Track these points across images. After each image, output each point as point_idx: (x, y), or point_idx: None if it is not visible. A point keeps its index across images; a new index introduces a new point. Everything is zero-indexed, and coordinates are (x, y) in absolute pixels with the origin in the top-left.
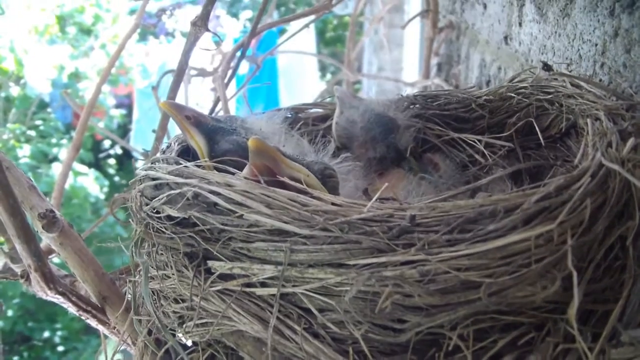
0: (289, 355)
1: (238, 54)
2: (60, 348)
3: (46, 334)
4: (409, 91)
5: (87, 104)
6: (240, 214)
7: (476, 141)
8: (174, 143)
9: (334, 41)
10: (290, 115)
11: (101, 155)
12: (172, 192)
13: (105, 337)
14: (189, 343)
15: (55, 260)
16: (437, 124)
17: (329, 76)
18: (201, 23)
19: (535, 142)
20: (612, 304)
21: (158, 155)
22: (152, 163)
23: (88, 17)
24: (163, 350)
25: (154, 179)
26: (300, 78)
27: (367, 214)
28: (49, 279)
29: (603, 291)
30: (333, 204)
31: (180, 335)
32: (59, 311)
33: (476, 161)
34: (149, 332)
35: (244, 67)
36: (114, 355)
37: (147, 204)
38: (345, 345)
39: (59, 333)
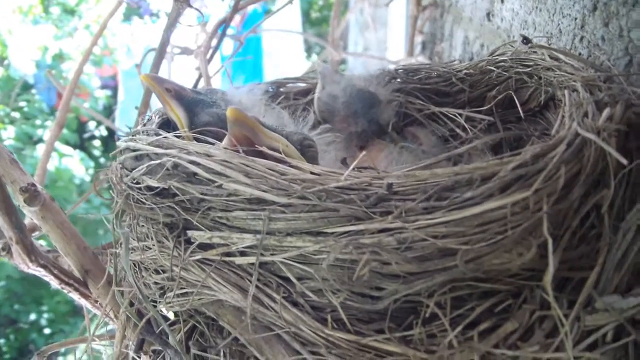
0: (268, 324)
1: (220, 30)
2: (47, 330)
3: (32, 317)
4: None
5: (69, 82)
6: (219, 183)
7: (457, 115)
8: (155, 116)
9: (319, 22)
10: (271, 90)
11: (86, 136)
12: (152, 162)
13: (89, 311)
14: (171, 315)
15: (42, 242)
16: (418, 98)
17: (314, 56)
18: None
19: (516, 115)
20: (588, 271)
21: (139, 127)
22: (132, 135)
23: None
24: (144, 320)
25: (134, 150)
26: (286, 58)
27: (344, 182)
28: (31, 251)
29: (579, 259)
30: (311, 172)
31: (161, 306)
32: (45, 294)
33: (457, 135)
34: (131, 304)
35: (231, 48)
36: (96, 329)
37: (127, 175)
38: (324, 313)
39: (45, 315)
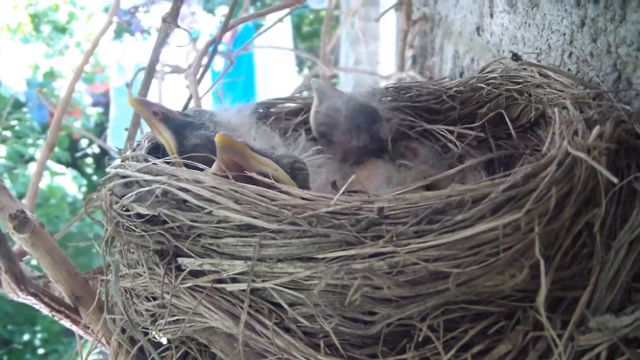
0: (260, 351)
1: (211, 49)
2: (41, 351)
3: (26, 337)
4: (384, 84)
5: (61, 101)
6: (209, 210)
7: (448, 132)
8: (144, 140)
9: (310, 36)
10: (261, 110)
11: (78, 154)
12: (142, 189)
13: (81, 337)
14: (164, 341)
15: (33, 262)
16: (410, 116)
17: (306, 71)
18: (171, 19)
19: (506, 132)
20: (580, 290)
21: (128, 153)
22: (122, 161)
23: (62, 15)
24: (136, 348)
25: (123, 177)
26: (278, 73)
27: (335, 207)
28: (20, 280)
29: (571, 278)
30: (301, 197)
31: (153, 333)
32: (39, 314)
33: (449, 151)
34: (123, 331)
35: (222, 63)
36: (88, 355)
37: (117, 202)
38: (317, 338)
39: (39, 335)
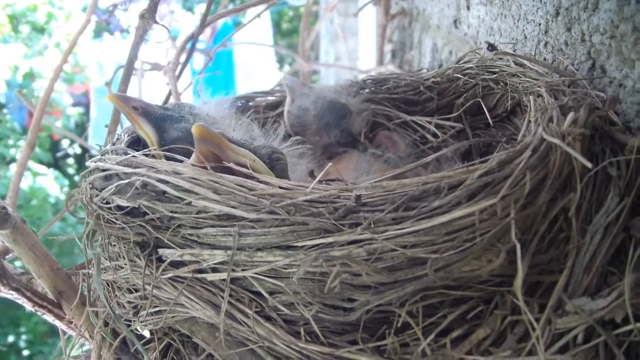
0: (242, 339)
1: (189, 45)
2: (26, 352)
3: (11, 339)
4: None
5: (40, 101)
6: (188, 200)
7: (426, 123)
8: (124, 134)
9: (290, 33)
10: (240, 104)
11: (59, 154)
12: (121, 182)
13: (64, 333)
14: (147, 333)
15: (17, 263)
16: (388, 107)
17: (287, 67)
18: (149, 15)
19: (484, 121)
20: (557, 274)
21: (108, 147)
22: (102, 155)
23: (41, 16)
24: (119, 340)
25: (103, 170)
26: (257, 70)
27: (313, 195)
28: (2, 275)
29: (548, 262)
30: (279, 187)
31: (136, 325)
32: (23, 315)
33: (428, 142)
34: (105, 324)
35: (202, 61)
36: (71, 349)
37: (97, 195)
38: (297, 326)
39: (23, 337)
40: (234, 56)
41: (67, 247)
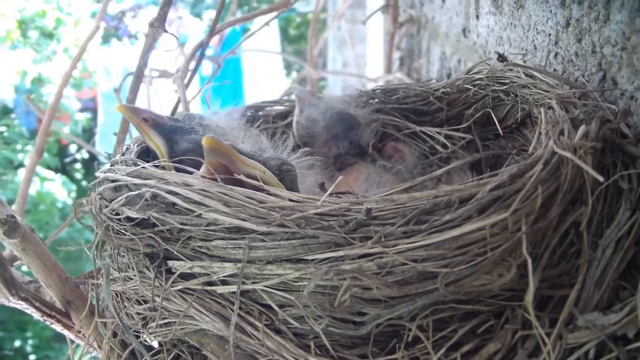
0: (251, 352)
1: (199, 53)
2: (32, 357)
3: (17, 343)
4: (372, 86)
5: (49, 107)
6: (198, 212)
7: (436, 133)
8: (134, 145)
9: (297, 39)
10: (249, 113)
11: (67, 160)
12: (131, 193)
13: (72, 342)
14: (155, 344)
15: (24, 268)
16: (397, 118)
17: (294, 74)
18: (158, 24)
19: (493, 132)
20: (568, 289)
21: (117, 157)
22: (111, 165)
23: (50, 21)
24: (127, 351)
25: (113, 181)
26: (265, 77)
27: (323, 208)
28: (11, 285)
29: (559, 277)
30: (290, 199)
31: (144, 336)
32: (29, 320)
33: (437, 152)
34: (114, 335)
35: (210, 69)
36: (80, 359)
37: (106, 206)
38: (307, 339)
39: (30, 342)
40: (241, 63)
41: (73, 253)
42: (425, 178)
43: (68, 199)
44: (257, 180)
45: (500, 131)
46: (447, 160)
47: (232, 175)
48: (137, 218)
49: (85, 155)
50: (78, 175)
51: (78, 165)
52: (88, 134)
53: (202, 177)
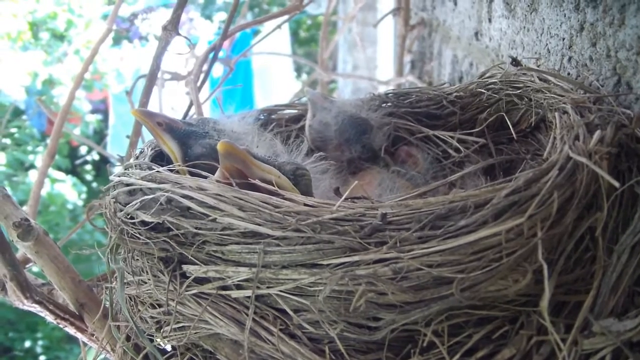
0: (266, 357)
1: (211, 56)
2: (42, 358)
3: (27, 344)
4: (383, 89)
5: (61, 110)
6: (213, 217)
7: (449, 137)
8: (147, 148)
9: (308, 41)
10: (262, 117)
11: (78, 161)
12: (146, 197)
13: (85, 344)
14: (168, 348)
15: (34, 269)
16: (410, 122)
17: (304, 76)
18: (172, 27)
19: (507, 136)
20: (584, 294)
21: (131, 161)
22: (125, 169)
23: (61, 23)
24: (141, 355)
25: (127, 185)
26: (275, 79)
27: (338, 213)
28: (25, 288)
29: (574, 282)
30: (305, 204)
31: (158, 340)
32: (40, 321)
33: (450, 156)
34: (128, 338)
35: (220, 71)
36: None
37: (121, 210)
38: (322, 344)
39: (40, 342)
40: (252, 65)
41: (83, 255)
42: (439, 183)
43: (78, 200)
44: (272, 185)
45: (514, 135)
46: (460, 165)
47: (247, 179)
48: (152, 222)
49: (96, 157)
50: (88, 177)
51: (89, 167)
52: (99, 135)
53: (217, 181)
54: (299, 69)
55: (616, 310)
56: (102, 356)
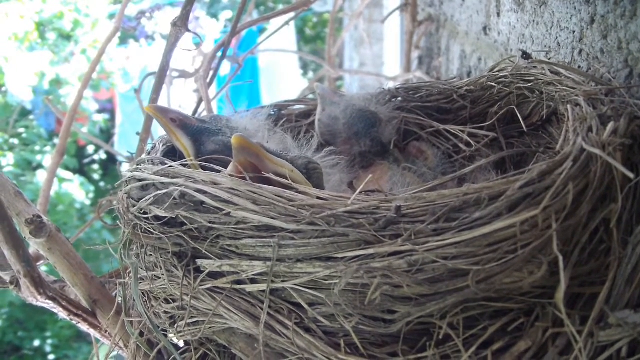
0: (281, 351)
1: (219, 54)
2: (51, 357)
3: (36, 343)
4: (391, 85)
5: (69, 109)
6: (227, 211)
7: (459, 132)
8: (159, 144)
9: (314, 39)
10: (273, 113)
11: (85, 161)
12: (159, 192)
13: (97, 341)
14: (181, 343)
15: (44, 268)
16: (420, 116)
17: (311, 74)
18: (181, 24)
19: (518, 130)
20: (599, 286)
21: (143, 156)
22: (137, 164)
23: (67, 23)
24: (155, 350)
25: (140, 180)
26: (282, 76)
27: (353, 206)
28: (39, 284)
29: (589, 274)
30: (319, 198)
31: (172, 335)
32: (49, 319)
33: (460, 151)
34: (141, 334)
35: (226, 68)
36: (107, 358)
37: (134, 205)
38: (337, 338)
39: (49, 341)
40: (258, 62)
41: (92, 252)
42: (451, 177)
43: (86, 199)
44: (286, 179)
45: (525, 129)
46: (471, 159)
47: (260, 173)
48: (165, 217)
49: (103, 156)
50: (96, 176)
51: (96, 166)
52: (106, 135)
53: (231, 175)
54: (305, 67)
55: (632, 302)
56: (114, 353)
